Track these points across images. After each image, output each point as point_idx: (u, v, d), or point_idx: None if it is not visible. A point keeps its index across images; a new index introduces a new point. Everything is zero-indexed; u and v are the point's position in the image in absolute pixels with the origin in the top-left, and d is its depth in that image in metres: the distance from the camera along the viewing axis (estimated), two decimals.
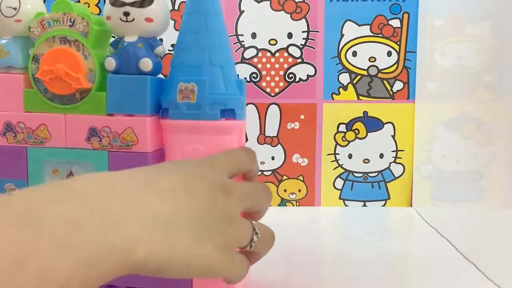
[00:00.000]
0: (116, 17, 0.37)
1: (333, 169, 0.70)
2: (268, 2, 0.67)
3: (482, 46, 0.49)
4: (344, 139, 0.70)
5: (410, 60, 0.68)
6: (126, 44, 0.37)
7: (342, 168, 0.70)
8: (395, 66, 0.69)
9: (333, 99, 0.69)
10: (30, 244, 0.23)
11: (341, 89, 0.69)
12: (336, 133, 0.70)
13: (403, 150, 0.70)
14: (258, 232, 0.34)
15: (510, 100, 0.43)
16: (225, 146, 0.37)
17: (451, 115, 0.56)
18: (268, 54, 0.66)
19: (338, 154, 0.71)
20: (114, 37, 0.39)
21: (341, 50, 0.69)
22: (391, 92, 0.69)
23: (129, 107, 0.37)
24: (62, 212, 0.25)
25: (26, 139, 0.39)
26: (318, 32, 0.68)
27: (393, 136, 0.70)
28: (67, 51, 0.38)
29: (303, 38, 0.68)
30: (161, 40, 0.39)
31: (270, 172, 0.70)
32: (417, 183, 0.69)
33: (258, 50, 0.67)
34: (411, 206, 0.70)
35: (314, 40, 0.68)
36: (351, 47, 0.69)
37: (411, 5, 0.67)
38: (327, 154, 0.70)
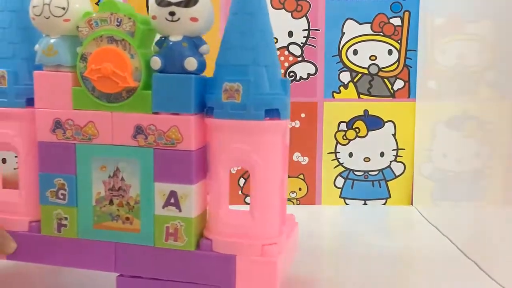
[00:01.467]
0: (161, 17, 0.37)
1: (334, 168, 0.70)
2: (269, 0, 0.67)
3: (483, 45, 0.49)
4: (344, 137, 0.70)
5: (411, 59, 0.69)
6: (171, 43, 0.38)
7: (343, 166, 0.71)
8: (396, 64, 0.69)
9: (333, 97, 0.69)
10: None
11: (341, 88, 0.70)
12: (336, 132, 0.70)
13: (404, 149, 0.70)
14: None
15: (511, 98, 0.43)
16: (269, 145, 0.38)
17: (452, 113, 0.56)
18: None
19: (339, 152, 0.71)
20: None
21: (341, 49, 0.69)
22: (391, 91, 0.69)
23: (174, 106, 0.38)
24: None
25: (74, 136, 0.40)
26: (319, 30, 0.68)
27: (394, 135, 0.70)
28: (114, 50, 0.38)
29: (304, 37, 0.69)
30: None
31: None
32: (417, 182, 0.69)
33: None
34: (412, 204, 0.70)
35: (315, 38, 0.69)
36: (351, 45, 0.69)
37: (412, 4, 0.68)
38: (328, 153, 0.70)
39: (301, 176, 0.70)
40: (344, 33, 0.69)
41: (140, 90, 0.38)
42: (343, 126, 0.70)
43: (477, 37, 0.51)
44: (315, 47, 0.69)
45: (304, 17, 0.69)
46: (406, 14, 0.68)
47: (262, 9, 0.38)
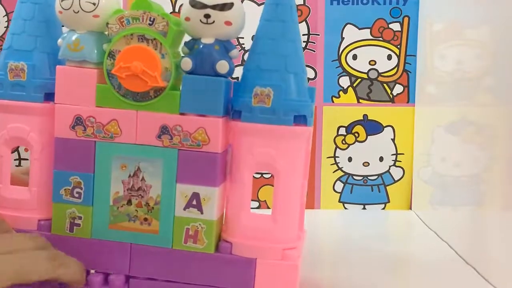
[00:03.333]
0: (196, 19, 0.38)
1: (333, 172, 0.71)
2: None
3: (482, 50, 0.49)
4: (344, 142, 0.70)
5: (410, 64, 0.69)
6: (202, 45, 0.38)
7: (342, 171, 0.71)
8: (395, 69, 0.69)
9: (333, 102, 0.70)
10: None
11: (341, 92, 0.70)
12: (336, 136, 0.70)
13: (403, 154, 0.70)
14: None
15: (509, 104, 0.43)
16: (294, 150, 0.39)
17: (451, 118, 0.57)
18: None
19: (338, 157, 0.71)
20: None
21: (341, 53, 0.69)
22: (391, 96, 0.69)
23: (202, 108, 0.38)
24: None
25: (95, 134, 0.39)
26: (319, 35, 0.69)
27: (393, 140, 0.70)
28: (145, 49, 0.38)
29: (304, 41, 0.69)
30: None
31: (270, 175, 0.70)
32: (417, 187, 0.69)
33: None
34: (410, 209, 0.71)
35: (315, 43, 0.69)
36: (351, 50, 0.69)
37: (412, 9, 0.68)
38: (327, 157, 0.70)
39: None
40: (344, 38, 0.69)
41: (168, 90, 0.39)
42: (342, 131, 0.70)
43: (476, 43, 0.51)
44: (314, 51, 0.70)
45: (304, 22, 0.69)
46: (406, 19, 0.69)
47: (294, 17, 0.39)
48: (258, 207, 0.69)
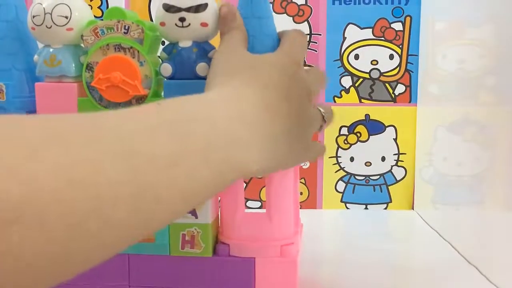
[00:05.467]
0: (171, 23, 0.38)
1: (335, 172, 0.71)
2: (270, 5, 0.67)
3: (484, 50, 0.49)
4: (346, 142, 0.70)
5: (412, 64, 0.69)
6: (180, 49, 0.38)
7: (344, 171, 0.71)
8: (397, 69, 0.69)
9: (335, 102, 0.70)
10: (181, 149, 0.27)
11: (343, 92, 0.70)
12: (338, 136, 0.70)
13: (405, 153, 0.70)
14: (325, 118, 0.38)
15: (511, 103, 0.43)
16: None
17: (453, 118, 0.57)
18: None
19: (340, 157, 0.71)
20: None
21: (343, 53, 0.69)
22: (393, 95, 0.69)
23: None
24: (199, 129, 0.28)
25: None
26: (321, 35, 0.69)
27: (395, 139, 0.70)
28: (122, 58, 0.38)
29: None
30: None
31: None
32: (419, 186, 0.69)
33: None
34: (413, 209, 0.71)
35: (317, 43, 0.69)
36: (353, 50, 0.70)
37: (414, 9, 0.68)
38: (329, 157, 0.70)
39: (302, 181, 0.70)
40: (346, 37, 0.69)
41: (150, 97, 0.39)
42: (344, 131, 0.70)
43: (478, 42, 0.51)
44: (316, 51, 0.70)
45: (306, 22, 0.69)
46: (408, 19, 0.69)
47: (269, 13, 0.40)
48: (260, 207, 0.69)
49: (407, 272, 0.52)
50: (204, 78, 0.38)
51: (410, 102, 0.71)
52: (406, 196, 0.72)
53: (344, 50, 0.70)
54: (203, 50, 0.39)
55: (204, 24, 0.38)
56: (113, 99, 0.39)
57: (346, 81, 0.71)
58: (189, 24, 0.37)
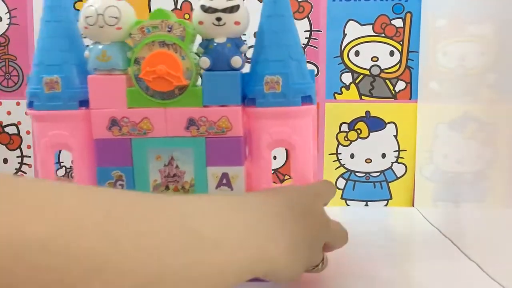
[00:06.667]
0: (208, 22, 0.43)
1: (335, 169, 0.71)
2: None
3: (485, 47, 0.49)
4: (346, 138, 0.71)
5: (413, 60, 0.69)
6: (216, 45, 0.44)
7: (344, 167, 0.71)
8: (398, 66, 0.69)
9: (335, 98, 0.70)
10: (214, 240, 0.31)
11: (343, 89, 0.70)
12: (338, 133, 0.70)
13: (405, 150, 0.71)
14: (323, 263, 0.44)
15: None
16: (305, 126, 0.45)
17: (454, 115, 0.57)
18: None
19: (340, 153, 0.71)
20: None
21: (343, 50, 0.69)
22: (393, 92, 0.70)
23: (223, 99, 0.44)
24: (241, 219, 0.34)
25: (130, 132, 0.45)
26: (321, 31, 0.69)
27: (396, 136, 0.70)
28: (166, 53, 0.44)
29: (306, 38, 0.69)
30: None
31: (272, 172, 0.70)
32: (419, 183, 0.69)
33: None
34: (413, 206, 0.71)
35: (317, 39, 0.69)
36: (353, 46, 0.70)
37: (414, 5, 0.69)
38: (329, 154, 0.71)
39: None
40: (346, 34, 0.69)
41: (190, 87, 0.44)
42: (344, 127, 0.71)
43: (479, 39, 0.51)
44: (316, 48, 0.70)
45: (306, 18, 0.69)
46: (408, 15, 0.69)
47: (290, 11, 0.45)
48: None
49: (407, 269, 0.52)
50: (237, 69, 0.44)
51: (410, 99, 0.71)
52: (406, 193, 0.72)
53: (345, 47, 0.70)
54: (236, 45, 0.44)
55: (237, 23, 0.43)
56: (159, 89, 0.44)
57: (347, 78, 0.71)
58: (225, 23, 0.43)
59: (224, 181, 0.45)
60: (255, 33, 0.45)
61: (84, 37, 0.47)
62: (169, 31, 0.44)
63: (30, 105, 0.46)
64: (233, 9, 0.43)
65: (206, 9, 0.43)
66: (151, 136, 0.45)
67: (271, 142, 0.45)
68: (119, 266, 0.25)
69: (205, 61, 0.44)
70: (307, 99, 0.45)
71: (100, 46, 0.45)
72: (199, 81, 0.45)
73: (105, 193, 0.30)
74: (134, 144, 0.45)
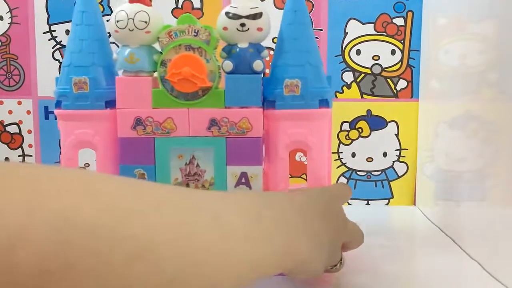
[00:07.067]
0: (233, 28, 0.46)
1: (336, 168, 0.71)
2: (272, 0, 0.67)
3: (486, 45, 0.49)
4: (347, 137, 0.71)
5: (414, 59, 0.70)
6: (239, 49, 0.47)
7: (346, 166, 0.71)
8: (399, 64, 0.70)
9: (336, 97, 0.70)
10: (244, 233, 0.33)
11: (344, 88, 0.70)
12: (339, 132, 0.71)
13: (407, 149, 0.71)
14: (341, 263, 0.46)
15: None
16: (321, 129, 0.48)
17: (455, 114, 0.57)
18: (272, 52, 0.66)
19: (342, 152, 0.71)
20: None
21: (344, 49, 0.69)
22: (394, 91, 0.70)
23: (244, 101, 0.46)
24: (268, 215, 0.35)
25: (154, 131, 0.47)
26: (322, 30, 0.69)
27: (397, 135, 0.70)
28: (192, 56, 0.46)
29: None
30: None
31: None
32: (420, 182, 0.70)
33: None
34: (414, 205, 0.71)
35: (318, 38, 0.69)
36: (354, 45, 0.70)
37: (415, 4, 0.69)
38: (331, 153, 0.70)
39: (304, 176, 0.70)
40: (347, 33, 0.70)
41: (214, 89, 0.47)
42: (346, 126, 0.71)
43: (480, 37, 0.51)
44: (318, 47, 0.69)
45: None
46: (409, 14, 0.69)
47: (309, 19, 0.48)
48: None
49: (408, 268, 0.52)
50: (259, 73, 0.47)
51: (412, 97, 0.71)
52: (407, 192, 0.72)
53: (346, 46, 0.70)
54: (257, 50, 0.47)
55: (260, 29, 0.46)
56: (183, 90, 0.46)
57: (348, 77, 0.71)
58: (248, 29, 0.46)
59: (243, 180, 0.47)
60: (273, 39, 0.48)
61: (112, 42, 0.49)
62: (195, 36, 0.46)
63: (58, 104, 0.48)
64: (256, 16, 0.46)
65: (231, 16, 0.46)
66: (174, 136, 0.47)
67: (289, 143, 0.47)
68: (159, 253, 0.27)
69: (228, 65, 0.46)
70: (324, 103, 0.47)
71: (129, 49, 0.47)
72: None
73: (146, 185, 0.32)
74: (157, 143, 0.47)
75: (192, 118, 0.46)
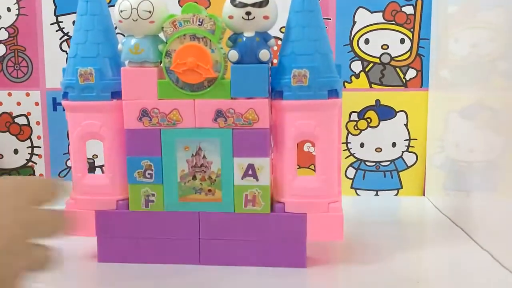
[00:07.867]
0: (238, 16, 0.45)
1: (345, 158, 0.71)
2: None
3: (497, 33, 0.49)
4: (356, 127, 0.70)
5: (424, 48, 0.69)
6: (245, 39, 0.46)
7: (354, 157, 0.71)
8: (408, 53, 0.69)
9: (345, 87, 0.70)
10: None
11: (353, 77, 0.70)
12: (348, 122, 0.70)
13: (416, 139, 0.70)
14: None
15: None
16: (330, 119, 0.47)
17: (465, 103, 0.57)
18: (280, 42, 0.66)
19: (350, 143, 0.71)
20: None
21: (353, 38, 0.69)
22: (404, 80, 0.69)
23: (250, 91, 0.46)
24: None
25: (160, 122, 0.47)
26: (330, 19, 0.69)
27: (406, 125, 0.70)
28: (197, 46, 0.46)
29: None
30: None
31: None
32: (430, 172, 0.69)
33: None
34: (424, 195, 0.71)
35: (326, 27, 0.69)
36: (363, 34, 0.69)
37: None
38: (341, 144, 0.70)
39: (312, 167, 0.70)
40: (356, 22, 0.69)
41: (219, 79, 0.46)
42: (354, 116, 0.71)
43: (490, 26, 0.51)
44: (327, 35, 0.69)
45: None
46: (419, 2, 0.68)
47: (318, 7, 0.47)
48: None
49: (418, 258, 0.52)
50: (265, 62, 0.46)
51: (421, 87, 0.70)
52: (417, 182, 0.72)
53: (354, 35, 0.70)
54: (264, 39, 0.46)
55: (266, 17, 0.45)
56: (188, 81, 0.46)
57: (356, 66, 0.70)
58: (254, 17, 0.45)
59: (250, 171, 0.47)
60: (281, 28, 0.47)
61: (118, 33, 0.49)
62: (200, 25, 0.46)
63: (65, 95, 0.48)
64: (262, 3, 0.45)
65: (236, 4, 0.45)
66: (180, 127, 0.47)
67: (297, 134, 0.47)
68: None
69: (234, 54, 0.46)
70: (333, 93, 0.47)
71: (133, 39, 0.47)
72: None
73: None
74: (163, 134, 0.47)
75: (198, 109, 0.46)
